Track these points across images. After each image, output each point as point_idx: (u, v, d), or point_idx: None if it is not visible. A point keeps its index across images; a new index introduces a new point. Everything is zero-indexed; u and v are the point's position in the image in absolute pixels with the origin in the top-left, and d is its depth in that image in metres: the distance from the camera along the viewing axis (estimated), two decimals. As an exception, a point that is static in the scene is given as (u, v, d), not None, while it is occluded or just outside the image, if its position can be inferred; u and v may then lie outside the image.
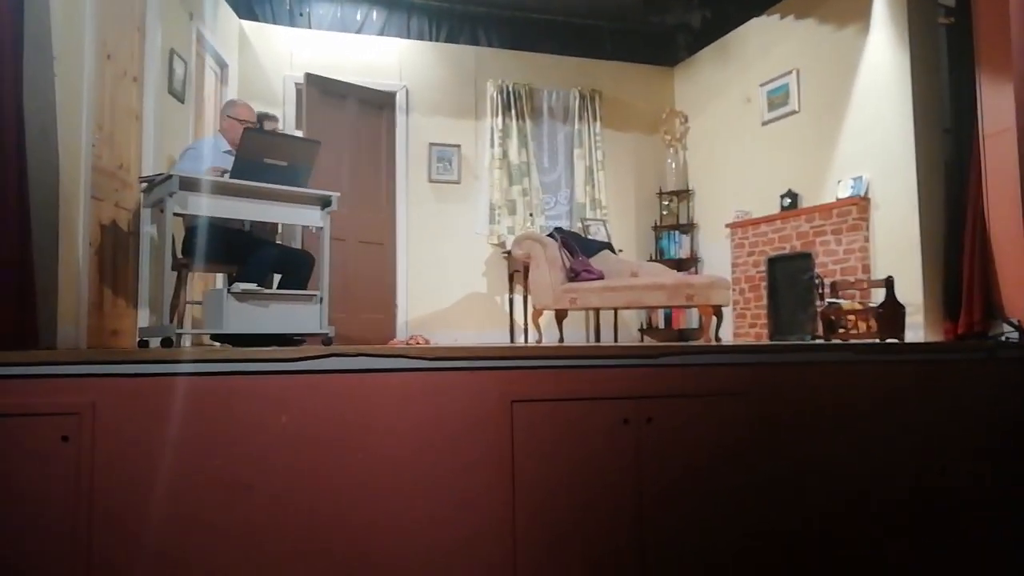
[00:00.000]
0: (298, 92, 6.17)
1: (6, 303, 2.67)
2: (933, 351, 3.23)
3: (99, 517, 2.07)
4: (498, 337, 6.34)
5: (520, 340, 6.15)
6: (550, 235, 5.41)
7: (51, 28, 3.12)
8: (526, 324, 5.99)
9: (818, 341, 4.39)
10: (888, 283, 4.15)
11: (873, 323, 4.15)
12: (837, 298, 4.52)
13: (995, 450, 2.83)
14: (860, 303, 4.48)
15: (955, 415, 2.80)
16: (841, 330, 4.34)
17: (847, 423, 2.66)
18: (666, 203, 7.17)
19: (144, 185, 3.43)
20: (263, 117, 4.20)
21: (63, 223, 3.18)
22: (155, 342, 3.24)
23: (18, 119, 2.77)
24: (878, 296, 4.40)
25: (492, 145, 6.60)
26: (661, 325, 6.98)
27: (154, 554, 2.08)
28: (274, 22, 6.30)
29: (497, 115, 6.63)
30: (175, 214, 3.25)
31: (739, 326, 6.20)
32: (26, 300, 2.76)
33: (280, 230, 4.14)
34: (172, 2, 4.54)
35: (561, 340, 5.23)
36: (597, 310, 6.32)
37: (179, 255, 3.63)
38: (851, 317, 4.30)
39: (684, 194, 7.14)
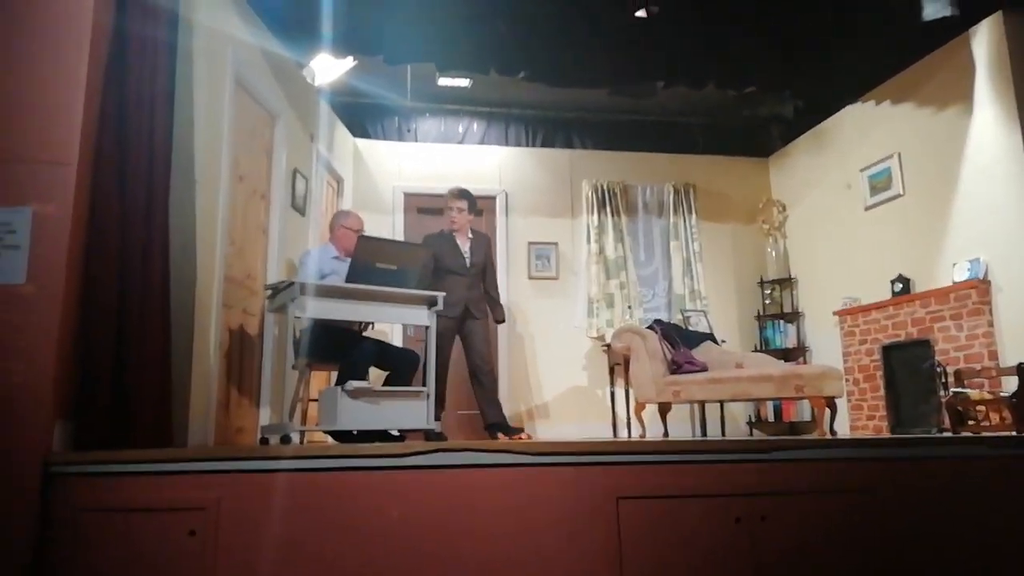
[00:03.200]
0: (406, 200, 6.60)
1: (147, 404, 2.92)
2: (1080, 444, 2.95)
3: (224, 609, 2.16)
4: (600, 431, 6.25)
5: (623, 434, 6.04)
6: (650, 327, 5.40)
7: (194, 156, 3.53)
8: (629, 418, 5.89)
9: (946, 435, 4.10)
10: (1020, 370, 3.86)
11: (1007, 414, 3.85)
12: (963, 387, 4.24)
13: None
14: (990, 392, 4.17)
15: (1112, 516, 2.53)
16: (971, 422, 4.04)
17: (980, 524, 2.46)
18: (768, 292, 7.02)
19: (269, 292, 3.72)
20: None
21: (197, 329, 3.48)
22: (275, 439, 3.42)
23: (165, 238, 3.11)
24: (1009, 385, 4.09)
25: (589, 241, 6.75)
26: (771, 418, 6.69)
27: (274, 647, 2.14)
28: (384, 138, 6.83)
29: (593, 212, 6.80)
30: (296, 317, 3.49)
31: (856, 418, 5.87)
32: (164, 401, 3.01)
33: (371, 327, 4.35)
34: (296, 127, 5.03)
35: (666, 434, 5.11)
36: (702, 403, 6.15)
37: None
38: (981, 408, 4.01)
39: (787, 282, 6.98)
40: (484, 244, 5.08)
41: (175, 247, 3.18)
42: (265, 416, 4.25)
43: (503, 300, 6.57)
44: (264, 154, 4.59)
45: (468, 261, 4.91)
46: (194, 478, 2.27)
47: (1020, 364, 3.91)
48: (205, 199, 3.61)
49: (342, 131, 6.32)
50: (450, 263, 4.84)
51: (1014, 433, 3.70)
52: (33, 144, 2.57)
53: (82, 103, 2.64)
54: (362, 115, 6.77)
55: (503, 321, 5.25)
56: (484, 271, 5.02)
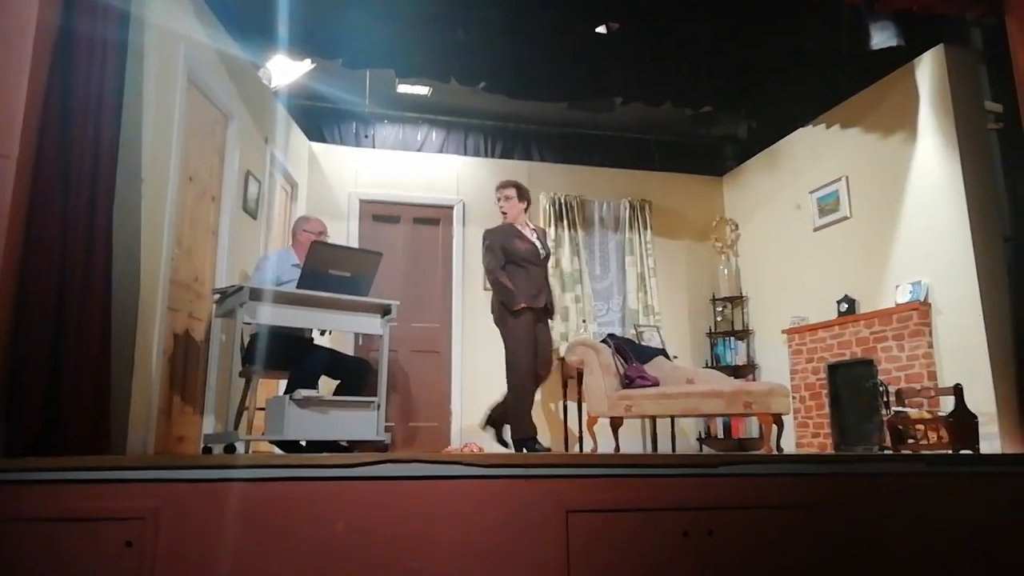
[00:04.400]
0: (362, 207, 6.52)
1: (83, 409, 2.80)
2: (1013, 463, 3.07)
3: (158, 625, 2.08)
4: (552, 445, 6.25)
5: (575, 448, 6.05)
6: (603, 341, 5.42)
7: (142, 154, 3.42)
8: (581, 432, 5.91)
9: (887, 452, 4.21)
10: (957, 391, 4.00)
11: (944, 433, 3.97)
12: (903, 407, 4.36)
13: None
14: (928, 412, 4.30)
15: (1041, 533, 2.62)
16: (910, 440, 4.15)
17: (920, 538, 2.52)
18: (720, 309, 7.13)
19: (217, 296, 3.62)
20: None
21: (140, 332, 3.37)
22: (219, 448, 3.32)
23: (107, 238, 3.01)
24: (947, 405, 4.23)
25: (545, 254, 6.76)
26: (720, 434, 6.78)
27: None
28: (341, 143, 6.74)
29: (550, 225, 6.83)
30: (244, 323, 3.40)
31: (801, 435, 5.99)
32: (101, 406, 2.90)
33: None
34: (250, 128, 4.93)
35: (617, 449, 5.13)
36: (653, 418, 6.21)
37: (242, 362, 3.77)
38: (920, 427, 4.13)
39: (738, 300, 7.11)
40: (544, 236, 4.68)
41: (118, 247, 3.07)
42: (209, 424, 4.13)
43: (457, 311, 6.56)
44: (216, 154, 4.48)
45: (541, 251, 4.56)
46: (132, 487, 2.18)
47: (957, 385, 4.05)
48: (152, 198, 3.50)
49: (298, 134, 6.23)
50: (523, 252, 4.46)
51: (950, 451, 3.82)
52: (-31, 133, 2.48)
53: (24, 95, 2.58)
54: (319, 119, 6.68)
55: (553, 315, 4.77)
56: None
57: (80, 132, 2.94)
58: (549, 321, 4.63)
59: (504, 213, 4.66)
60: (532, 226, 4.66)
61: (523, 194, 4.65)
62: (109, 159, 3.04)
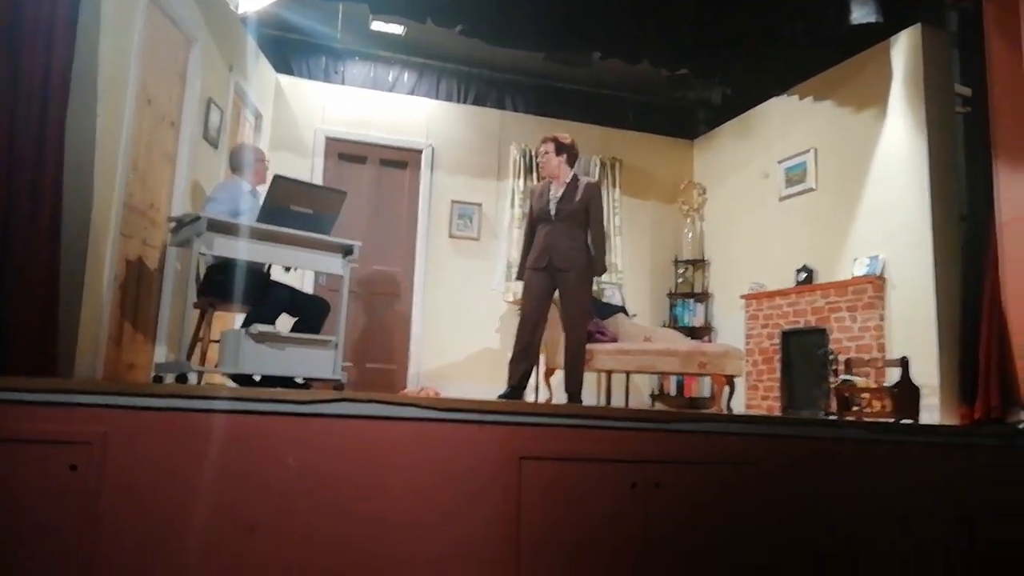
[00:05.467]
0: (328, 145, 6.37)
1: (30, 331, 2.72)
2: (949, 434, 3.19)
3: (103, 548, 2.06)
4: (508, 395, 6.29)
5: (531, 398, 6.11)
6: (565, 296, 5.43)
7: (98, 70, 3.26)
8: (537, 383, 5.97)
9: (831, 417, 4.35)
10: (903, 363, 4.14)
11: (888, 402, 4.11)
12: (851, 375, 4.49)
13: (1007, 540, 2.77)
14: (875, 382, 4.44)
15: (969, 501, 2.75)
16: (855, 407, 4.29)
17: (858, 500, 2.62)
18: (682, 271, 7.21)
19: (173, 225, 3.52)
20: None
21: (91, 257, 3.26)
22: (170, 377, 3.27)
23: (58, 155, 2.88)
24: (893, 376, 4.37)
25: (512, 205, 6.72)
26: (673, 392, 6.93)
27: (153, 590, 2.06)
28: (309, 77, 6.53)
29: (519, 176, 6.77)
30: (201, 253, 3.32)
31: (751, 397, 6.14)
32: (48, 329, 2.82)
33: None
34: (214, 54, 4.74)
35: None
36: (609, 373, 6.30)
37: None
38: (865, 395, 4.27)
39: (700, 263, 7.19)
40: (582, 191, 4.40)
41: (70, 169, 2.94)
42: (161, 354, 4.05)
43: (421, 255, 6.50)
44: (177, 79, 4.30)
45: (553, 208, 4.38)
46: (79, 411, 2.13)
47: (904, 357, 4.18)
48: (107, 119, 3.36)
49: (264, 65, 6.01)
50: (538, 211, 4.46)
51: (892, 420, 3.96)
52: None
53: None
54: (287, 50, 6.45)
55: (598, 273, 4.54)
56: (583, 220, 4.42)
57: (30, 51, 2.79)
58: (581, 275, 4.41)
59: (542, 168, 4.63)
60: (567, 180, 4.46)
61: (561, 148, 4.48)
62: (61, 80, 2.90)
